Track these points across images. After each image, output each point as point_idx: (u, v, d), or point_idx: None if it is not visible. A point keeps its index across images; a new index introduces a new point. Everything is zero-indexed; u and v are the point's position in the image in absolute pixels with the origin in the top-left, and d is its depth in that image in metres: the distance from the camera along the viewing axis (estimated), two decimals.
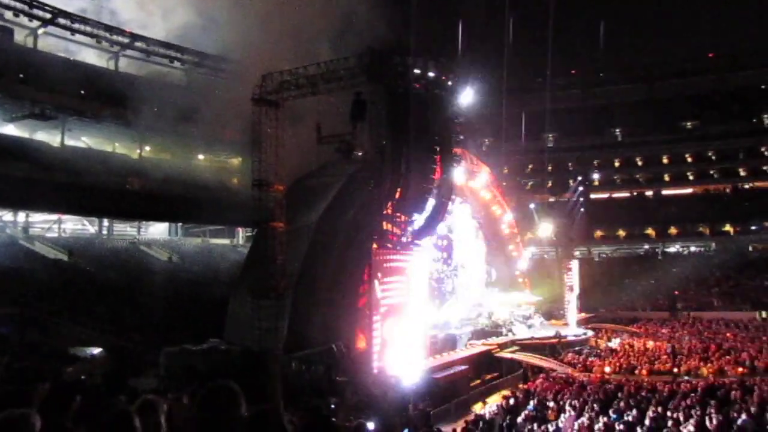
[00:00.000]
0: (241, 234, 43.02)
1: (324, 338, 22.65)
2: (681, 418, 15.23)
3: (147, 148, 39.94)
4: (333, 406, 18.04)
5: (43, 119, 33.03)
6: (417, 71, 24.91)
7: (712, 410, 15.78)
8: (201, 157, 42.17)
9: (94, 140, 38.59)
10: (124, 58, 39.41)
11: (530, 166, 64.11)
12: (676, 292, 48.42)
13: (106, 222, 37.75)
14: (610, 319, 43.68)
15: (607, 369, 27.24)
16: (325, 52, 26.94)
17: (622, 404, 18.02)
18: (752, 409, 14.96)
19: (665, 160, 62.69)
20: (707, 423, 13.90)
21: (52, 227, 35.49)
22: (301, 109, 28.64)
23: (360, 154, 26.52)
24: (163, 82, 38.89)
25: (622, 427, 14.73)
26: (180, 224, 41.89)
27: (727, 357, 28.17)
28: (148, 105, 35.23)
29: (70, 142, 36.21)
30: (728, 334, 36.53)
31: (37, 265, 28.68)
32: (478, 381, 26.15)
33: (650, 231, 59.02)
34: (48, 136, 35.57)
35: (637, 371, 26.51)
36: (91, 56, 38.37)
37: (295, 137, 30.13)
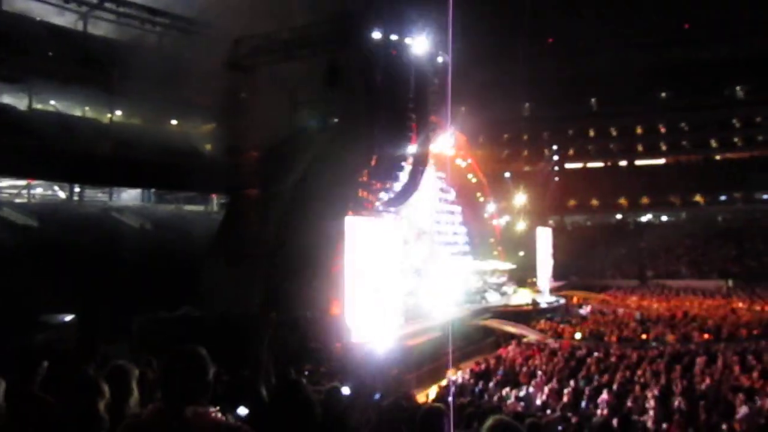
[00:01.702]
0: (215, 201, 42.64)
1: (298, 305, 22.68)
2: (647, 383, 15.61)
3: (118, 113, 39.12)
4: (306, 372, 18.13)
5: (9, 82, 32.13)
6: (392, 37, 24.66)
7: (677, 375, 16.20)
8: (174, 122, 41.49)
9: (63, 104, 37.67)
10: (94, 19, 38.33)
11: (506, 136, 64.29)
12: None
13: (77, 188, 37.11)
14: (581, 287, 44.39)
15: (578, 335, 27.75)
16: (302, 15, 26.49)
17: (591, 369, 18.43)
18: (715, 375, 15.38)
19: (638, 131, 63.25)
20: (672, 387, 14.28)
21: (21, 192, 34.82)
22: (276, 74, 28.25)
23: (335, 120, 26.32)
24: (134, 44, 37.99)
25: (590, 391, 15.06)
26: (152, 191, 41.36)
27: (693, 324, 28.84)
28: (118, 68, 34.40)
29: (38, 105, 35.32)
30: (695, 302, 37.36)
31: (5, 232, 28.17)
32: (453, 347, 26.48)
33: (623, 201, 59.78)
34: (15, 100, 34.66)
35: (606, 338, 27.02)
36: (59, 18, 37.28)
37: (269, 103, 29.77)
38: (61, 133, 30.80)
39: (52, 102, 37.02)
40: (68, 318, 22.27)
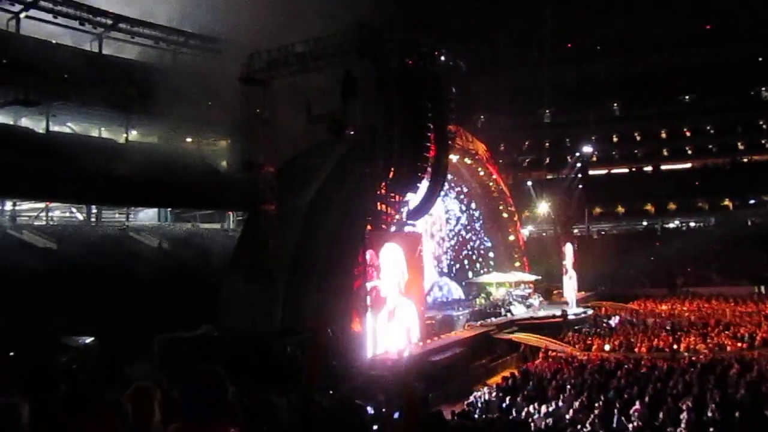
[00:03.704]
0: (232, 218, 42.92)
1: (318, 321, 22.71)
2: (680, 395, 15.41)
3: (134, 133, 39.69)
4: (330, 391, 18.15)
5: (27, 105, 32.71)
6: (408, 47, 24.79)
7: (710, 385, 15.96)
8: (189, 139, 41.96)
9: (79, 125, 38.33)
10: (108, 39, 39.00)
11: (527, 143, 64.03)
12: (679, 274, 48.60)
13: (94, 209, 37.59)
14: (609, 297, 43.93)
15: (607, 347, 27.47)
16: (315, 29, 26.70)
17: (621, 382, 18.23)
18: (750, 384, 15.14)
19: (663, 135, 62.71)
20: (706, 398, 14.08)
21: (40, 215, 35.35)
22: (291, 87, 28.48)
23: (352, 133, 26.44)
24: (148, 63, 38.58)
25: (620, 404, 14.90)
26: (169, 209, 41.76)
27: (726, 332, 28.43)
28: (133, 88, 34.91)
29: (55, 127, 35.93)
30: (727, 310, 36.82)
31: (25, 255, 28.58)
32: (477, 363, 26.35)
33: (649, 207, 59.20)
34: (32, 122, 35.31)
35: (636, 349, 26.73)
36: (75, 39, 37.94)
37: (285, 117, 29.97)
38: (78, 154, 31.26)
39: (69, 123, 37.66)
40: (89, 340, 22.52)
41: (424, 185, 26.34)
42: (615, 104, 64.33)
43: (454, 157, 32.97)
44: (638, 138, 63.35)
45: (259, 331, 22.53)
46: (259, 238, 24.66)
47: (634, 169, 63.35)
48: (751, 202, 55.74)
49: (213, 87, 31.54)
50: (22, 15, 35.47)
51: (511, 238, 43.46)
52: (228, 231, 42.00)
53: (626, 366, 20.97)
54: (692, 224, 58.35)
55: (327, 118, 27.15)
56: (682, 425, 12.42)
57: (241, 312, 23.33)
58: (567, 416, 15.24)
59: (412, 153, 24.47)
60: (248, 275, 24.06)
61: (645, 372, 19.78)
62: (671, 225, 59.11)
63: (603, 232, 59.91)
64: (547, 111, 63.90)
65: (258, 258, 24.17)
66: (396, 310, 24.27)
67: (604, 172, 62.99)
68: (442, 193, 30.65)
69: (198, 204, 39.24)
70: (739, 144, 60.05)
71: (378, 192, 24.62)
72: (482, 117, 59.69)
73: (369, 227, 24.07)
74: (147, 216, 41.37)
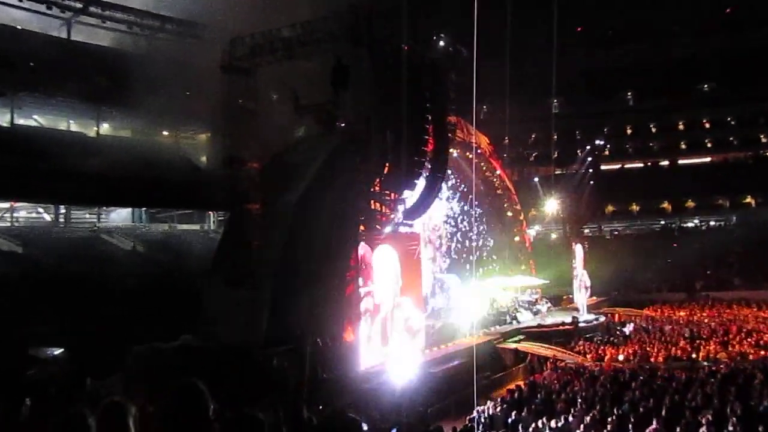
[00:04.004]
0: (213, 218, 42.87)
1: (307, 330, 22.68)
2: (699, 407, 15.45)
3: (105, 126, 39.55)
4: (321, 407, 18.12)
5: None
6: (405, 32, 24.78)
7: (732, 397, 16.01)
8: (165, 133, 41.87)
9: (46, 118, 38.19)
10: (78, 25, 38.84)
11: (533, 136, 64.05)
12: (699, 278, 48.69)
13: (62, 209, 37.48)
14: (623, 303, 44.04)
15: (620, 357, 27.55)
16: (303, 12, 26.65)
17: (636, 394, 18.27)
18: None
19: (681, 127, 62.83)
20: (727, 411, 14.11)
21: (4, 216, 35.22)
22: (277, 76, 28.42)
23: (343, 125, 26.40)
24: (121, 50, 38.46)
25: (635, 418, 14.92)
26: (144, 209, 41.66)
27: (749, 340, 28.52)
28: (105, 77, 34.80)
29: (20, 120, 35.79)
30: (749, 315, 36.93)
31: None
32: (480, 375, 26.36)
33: (665, 205, 59.35)
34: None
35: (652, 358, 26.81)
36: (41, 25, 37.77)
37: (271, 108, 29.91)
38: (46, 149, 31.16)
39: (36, 116, 37.52)
40: (58, 351, 22.46)
41: (421, 182, 26.33)
42: (628, 94, 64.49)
43: (454, 152, 32.96)
44: (654, 130, 63.52)
45: (243, 341, 22.46)
46: (242, 240, 24.60)
47: (649, 164, 63.51)
48: None
49: (191, 75, 31.44)
50: None
51: (517, 239, 43.52)
52: (208, 232, 41.96)
53: (641, 377, 21.01)
54: (712, 223, 58.54)
55: (316, 110, 27.12)
56: None
57: (223, 320, 23.26)
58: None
59: (408, 147, 24.46)
60: (230, 280, 23.99)
61: (662, 383, 19.82)
62: (689, 224, 59.27)
63: (616, 233, 60.05)
64: (556, 101, 63.98)
65: (241, 262, 24.11)
66: (392, 318, 24.27)
67: (617, 167, 63.13)
68: (442, 190, 30.62)
69: (175, 203, 39.17)
70: (762, 137, 60.23)
71: (372, 189, 24.60)
72: (485, 107, 59.72)
73: (362, 228, 24.06)
74: (120, 216, 41.27)
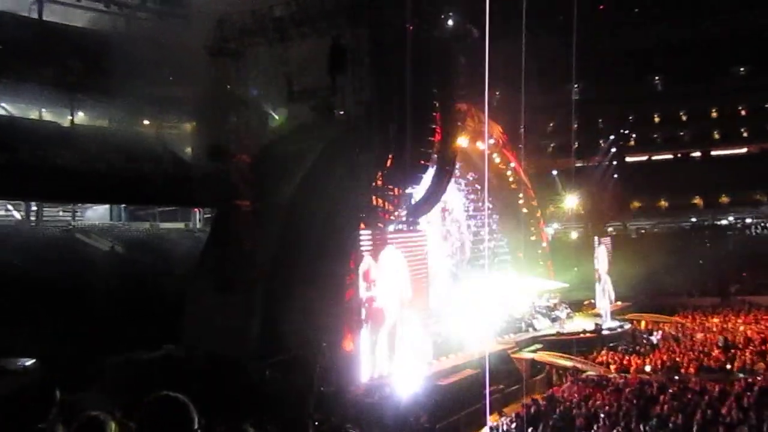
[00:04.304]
0: (199, 216, 42.96)
1: (304, 339, 22.73)
2: (734, 423, 15.48)
3: (80, 114, 39.63)
4: (316, 423, 18.18)
5: None
6: (408, 10, 24.74)
7: None
8: (146, 122, 41.94)
9: (15, 106, 38.25)
10: (51, 4, 38.89)
11: (552, 124, 63.93)
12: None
13: (34, 206, 37.56)
14: (650, 308, 43.97)
15: (647, 368, 27.56)
16: None
17: (665, 408, 18.28)
18: None
19: (714, 114, 62.71)
20: (764, 427, 14.14)
21: None
22: (269, 59, 28.44)
23: (341, 113, 26.42)
24: (97, 32, 38.52)
25: None
26: (123, 206, 41.74)
27: None
28: (80, 61, 34.87)
29: None
30: None
31: None
32: (493, 387, 26.38)
33: (697, 200, 59.25)
34: None
35: (682, 369, 26.80)
36: (10, 4, 37.80)
37: (262, 95, 29.98)
38: (15, 140, 31.23)
39: (4, 104, 37.60)
40: (29, 362, 22.50)
41: (428, 176, 26.34)
42: (656, 78, 64.31)
43: (463, 142, 32.95)
44: (684, 118, 63.38)
45: (233, 350, 22.53)
46: (230, 239, 24.65)
47: (679, 155, 63.39)
48: None
49: (175, 59, 31.52)
50: None
51: (533, 238, 43.45)
52: (194, 231, 42.06)
53: (671, 390, 21.02)
54: (748, 220, 58.39)
55: (311, 97, 27.16)
56: None
57: (211, 328, 23.33)
58: None
59: (413, 137, 24.44)
60: (218, 284, 24.06)
61: (693, 397, 19.83)
62: (724, 222, 59.16)
63: (642, 231, 59.93)
64: (576, 86, 63.83)
65: (229, 264, 24.16)
66: (397, 325, 24.30)
67: (643, 158, 63.04)
68: (450, 184, 30.61)
69: (158, 199, 39.24)
70: None
71: (374, 184, 24.61)
72: (498, 94, 59.60)
73: (363, 226, 24.08)
74: (97, 214, 41.37)
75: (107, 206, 41.48)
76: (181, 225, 43.12)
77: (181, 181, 32.97)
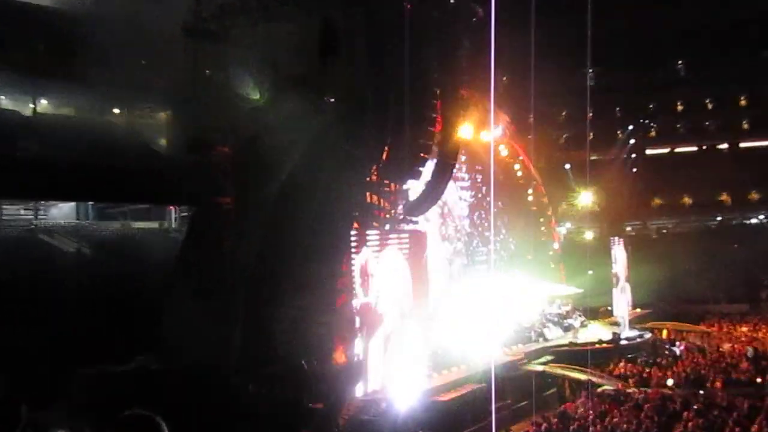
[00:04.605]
0: (175, 214, 42.90)
1: (290, 351, 22.75)
2: None
3: (43, 102, 39.53)
4: None
5: None
6: None
7: None
8: (117, 111, 41.86)
9: None
10: None
11: (564, 113, 64.01)
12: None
13: None
14: (672, 316, 44.10)
15: (670, 382, 27.63)
16: None
17: (689, 426, 18.36)
18: None
19: (743, 102, 62.81)
20: None
21: None
22: (252, 41, 28.45)
23: (333, 101, 26.42)
24: (61, 9, 38.42)
25: None
26: (91, 203, 41.67)
27: None
28: (41, 42, 34.74)
29: None
30: None
31: None
32: (499, 403, 26.43)
33: (724, 197, 59.36)
34: None
35: (708, 383, 26.88)
36: None
37: (245, 80, 29.93)
38: None
39: None
40: None
41: (428, 170, 26.37)
42: (680, 62, 64.40)
43: (467, 132, 33.02)
44: (710, 106, 63.46)
45: (212, 363, 22.54)
46: (210, 240, 24.64)
47: (704, 148, 63.43)
48: None
49: (149, 41, 31.45)
50: None
51: (544, 238, 43.57)
52: (169, 231, 41.98)
53: (695, 406, 21.09)
54: None
55: (300, 83, 27.15)
56: None
57: (189, 338, 23.29)
58: None
59: (412, 127, 24.47)
60: (196, 290, 24.04)
61: (720, 414, 19.90)
62: (753, 221, 59.35)
63: (664, 231, 60.09)
64: (591, 71, 63.89)
65: (209, 267, 24.16)
66: (393, 335, 24.34)
67: (665, 151, 63.11)
68: (452, 179, 30.67)
69: (129, 196, 39.03)
70: None
71: (368, 179, 24.62)
72: (505, 79, 59.64)
73: (356, 225, 24.10)
74: (62, 212, 41.27)
75: (73, 204, 41.37)
76: (155, 224, 43.03)
77: (156, 175, 32.86)
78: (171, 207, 42.71)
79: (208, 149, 25.18)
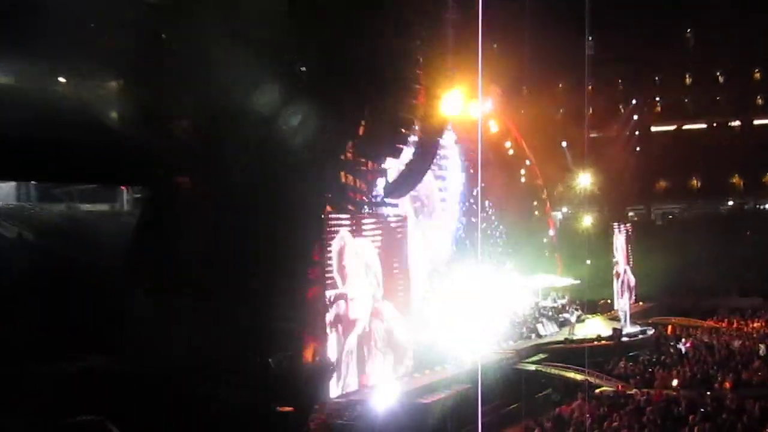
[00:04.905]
0: (127, 196, 42.67)
1: (255, 349, 22.67)
2: None
3: None
4: None
5: None
6: None
7: None
8: (62, 80, 41.49)
9: None
10: None
11: (561, 85, 63.99)
12: None
13: None
14: (678, 310, 44.36)
15: (675, 382, 27.75)
16: None
17: (695, 430, 18.45)
18: None
19: (756, 75, 63.00)
20: None
21: None
22: (216, 5, 28.25)
23: (303, 69, 26.25)
24: None
25: None
26: (33, 183, 41.37)
27: None
28: None
29: None
30: None
31: None
32: (488, 406, 26.48)
33: (736, 179, 59.64)
34: None
35: (717, 384, 27.02)
36: None
37: (208, 48, 29.68)
38: None
39: None
40: None
41: (409, 147, 26.28)
42: (688, 30, 64.46)
43: (453, 105, 32.95)
44: (721, 80, 63.63)
45: (169, 362, 22.42)
46: (166, 226, 24.48)
47: (715, 125, 63.63)
48: None
49: (101, 1, 31.18)
50: None
51: (538, 224, 43.63)
52: (121, 215, 41.72)
53: (702, 409, 21.18)
54: None
55: (268, 50, 26.94)
56: None
57: (143, 335, 23.15)
58: None
59: (392, 99, 24.37)
60: (152, 281, 23.89)
61: (729, 417, 20.00)
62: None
63: (670, 216, 60.43)
64: (591, 39, 63.81)
65: (165, 257, 24.00)
66: (371, 331, 24.29)
67: (672, 128, 63.28)
68: (437, 158, 30.61)
69: (77, 175, 38.76)
70: None
71: (342, 157, 24.50)
72: (495, 46, 59.48)
73: (329, 209, 23.98)
74: (0, 193, 40.99)
75: (12, 183, 41.05)
76: (105, 207, 42.75)
77: (106, 152, 32.62)
78: (123, 188, 42.47)
79: (165, 124, 24.96)
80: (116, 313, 25.66)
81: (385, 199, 26.91)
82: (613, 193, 46.93)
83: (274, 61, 26.03)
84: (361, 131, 24.45)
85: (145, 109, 25.72)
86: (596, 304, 41.99)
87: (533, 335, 34.00)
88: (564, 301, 39.71)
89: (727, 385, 26.74)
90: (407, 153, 26.50)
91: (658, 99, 63.03)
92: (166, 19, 25.18)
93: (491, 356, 29.54)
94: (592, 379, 28.42)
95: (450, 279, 34.97)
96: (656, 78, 63.24)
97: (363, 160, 25.20)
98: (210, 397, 21.16)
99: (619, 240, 41.81)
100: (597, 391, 27.06)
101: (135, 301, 24.23)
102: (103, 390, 20.82)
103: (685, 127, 63.78)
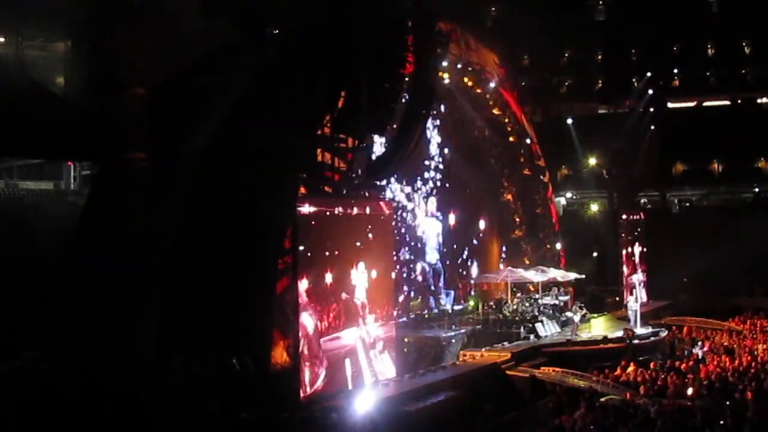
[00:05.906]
0: (74, 173, 42.48)
1: (217, 347, 22.63)
2: None
3: None
4: None
5: None
6: None
7: None
8: (1, 39, 41.24)
9: None
10: None
11: (567, 55, 63.98)
12: None
13: None
14: (695, 310, 44.52)
15: (690, 391, 27.84)
16: None
17: None
18: None
19: None
20: None
21: None
22: None
23: (276, 33, 26.12)
24: None
25: None
26: None
27: None
28: None
29: None
30: None
31: None
32: (479, 416, 26.57)
33: (762, 163, 59.82)
34: None
35: (737, 394, 27.12)
36: None
37: (166, 5, 29.53)
38: None
39: None
40: None
41: (395, 121, 26.24)
42: None
43: (446, 76, 32.89)
44: (747, 50, 63.71)
45: (119, 362, 22.36)
46: (119, 208, 24.36)
47: (739, 102, 63.72)
48: None
49: None
50: None
51: (538, 210, 43.68)
52: (67, 194, 41.59)
53: (721, 421, 21.26)
54: None
55: (234, 10, 26.80)
56: None
57: (90, 330, 23.09)
58: None
59: (376, 68, 24.31)
60: (101, 270, 23.79)
61: (751, 430, 20.08)
62: None
63: (688, 204, 60.50)
64: (601, 3, 63.91)
65: (117, 242, 23.89)
66: (347, 328, 24.29)
67: (691, 105, 63.39)
68: (427, 134, 30.55)
69: (15, 149, 38.64)
70: None
71: (319, 132, 24.42)
72: (494, 10, 59.41)
73: (303, 190, 23.92)
74: None
75: None
76: (48, 185, 42.59)
77: (50, 122, 32.47)
78: (70, 163, 42.28)
79: (117, 91, 24.78)
80: (61, 306, 25.57)
81: (369, 179, 26.80)
82: (623, 176, 46.93)
83: (243, 24, 25.89)
84: (340, 103, 24.34)
85: (94, 75, 25.55)
86: (603, 301, 42.10)
87: (532, 336, 34.05)
88: (566, 298, 39.77)
89: (749, 395, 26.83)
90: (394, 127, 26.41)
91: (675, 71, 62.97)
92: None
93: (484, 359, 29.59)
94: (597, 386, 28.50)
95: (439, 272, 35.03)
96: (674, 48, 63.13)
97: (342, 136, 25.09)
98: (170, 401, 21.13)
99: (630, 230, 41.88)
100: (602, 399, 27.13)
101: (83, 293, 24.12)
102: (43, 392, 20.77)
103: (706, 103, 63.89)
